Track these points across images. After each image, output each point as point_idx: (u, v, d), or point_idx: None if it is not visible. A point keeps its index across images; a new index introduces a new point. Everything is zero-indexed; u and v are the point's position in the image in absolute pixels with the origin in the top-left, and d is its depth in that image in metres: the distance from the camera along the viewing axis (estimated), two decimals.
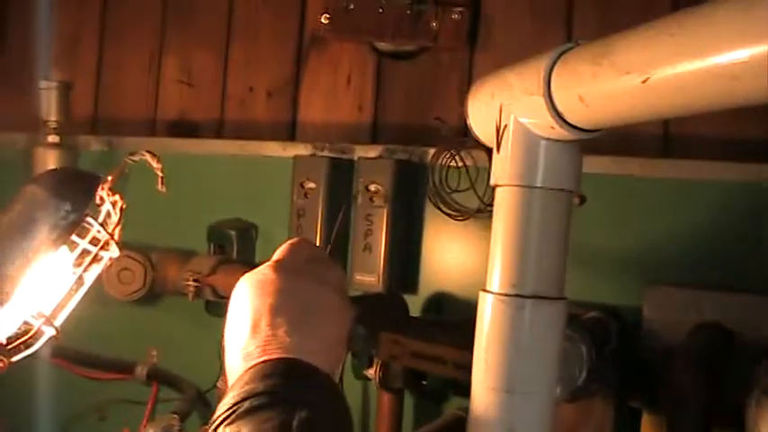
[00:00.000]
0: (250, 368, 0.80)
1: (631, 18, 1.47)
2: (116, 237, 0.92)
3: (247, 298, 0.86)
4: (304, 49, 1.80)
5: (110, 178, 0.93)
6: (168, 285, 1.68)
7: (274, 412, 0.72)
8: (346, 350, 0.92)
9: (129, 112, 1.96)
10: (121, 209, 0.94)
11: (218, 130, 1.87)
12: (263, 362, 0.80)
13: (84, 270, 0.90)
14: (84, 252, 0.90)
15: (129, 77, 1.97)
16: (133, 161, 1.02)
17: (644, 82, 0.64)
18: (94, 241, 0.91)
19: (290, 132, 1.79)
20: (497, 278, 0.87)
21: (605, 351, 1.28)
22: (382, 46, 1.70)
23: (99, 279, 0.89)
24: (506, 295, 0.85)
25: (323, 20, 1.71)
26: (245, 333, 0.83)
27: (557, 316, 0.87)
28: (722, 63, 0.56)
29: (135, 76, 1.96)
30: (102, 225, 0.90)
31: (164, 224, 1.80)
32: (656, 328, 1.33)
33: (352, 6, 1.69)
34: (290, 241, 0.94)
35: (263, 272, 0.88)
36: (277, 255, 0.92)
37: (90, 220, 0.89)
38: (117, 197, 0.93)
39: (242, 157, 1.74)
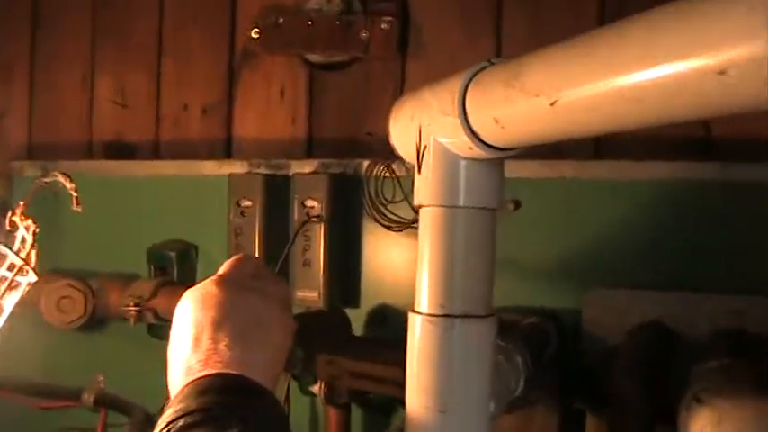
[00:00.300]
0: (188, 384, 0.79)
1: (559, 26, 1.51)
2: (32, 262, 0.91)
3: (190, 312, 0.86)
4: (236, 65, 1.79)
5: (21, 203, 0.92)
6: (110, 311, 1.66)
7: (206, 430, 0.72)
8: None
9: (64, 135, 1.94)
10: (34, 233, 0.93)
11: (154, 150, 1.85)
12: (201, 377, 0.80)
13: (1, 297, 0.89)
14: (2, 279, 0.89)
15: (63, 101, 1.94)
16: (45, 183, 1.01)
17: (552, 104, 0.64)
18: (11, 267, 0.90)
19: (225, 149, 1.78)
20: (425, 299, 0.87)
21: (545, 357, 1.29)
22: (313, 58, 1.69)
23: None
24: (435, 315, 0.86)
25: (253, 34, 1.70)
26: (187, 347, 0.83)
27: (486, 333, 0.87)
28: (626, 86, 0.57)
29: (68, 100, 1.94)
30: (16, 252, 0.89)
31: (103, 249, 1.78)
32: (596, 331, 1.35)
33: (281, 20, 1.68)
34: (234, 257, 0.95)
35: (206, 286, 0.88)
36: (221, 270, 0.92)
37: (2, 247, 0.88)
38: (30, 222, 0.92)
39: (179, 177, 1.73)
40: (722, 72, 0.48)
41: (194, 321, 0.85)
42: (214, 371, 0.80)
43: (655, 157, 1.38)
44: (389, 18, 1.60)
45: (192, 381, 0.79)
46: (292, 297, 1.50)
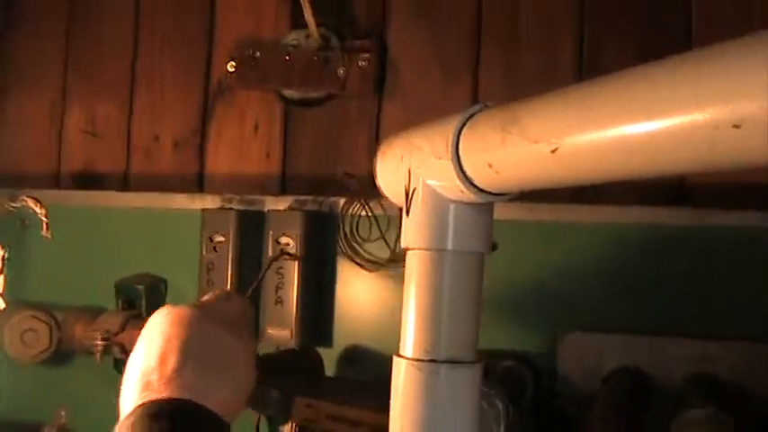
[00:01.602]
0: (143, 404, 0.77)
1: (536, 72, 1.52)
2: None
3: (163, 327, 0.85)
4: (210, 98, 1.77)
5: None
6: (75, 344, 1.63)
7: None
8: (247, 406, 0.92)
9: (32, 165, 1.90)
10: (3, 258, 0.91)
11: (124, 181, 1.83)
12: (158, 400, 0.78)
13: None
14: None
15: (32, 129, 1.91)
16: (13, 208, 0.99)
17: (553, 152, 0.63)
18: None
19: (197, 183, 1.75)
20: (410, 343, 0.85)
21: (521, 402, 1.28)
22: (289, 93, 1.69)
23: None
24: (420, 361, 0.84)
25: (229, 68, 1.69)
26: (153, 360, 0.82)
27: (472, 380, 0.86)
28: (634, 135, 0.56)
29: (37, 128, 1.90)
30: None
31: (69, 281, 1.75)
32: (571, 375, 1.34)
33: (258, 54, 1.67)
34: (222, 290, 0.95)
35: (186, 308, 0.87)
36: (205, 298, 0.93)
37: None
38: None
39: (149, 209, 1.70)
40: (737, 125, 0.48)
41: (165, 337, 0.83)
42: (173, 395, 0.78)
43: (631, 202, 1.38)
44: (367, 56, 1.60)
45: (149, 401, 0.77)
46: (259, 336, 1.48)
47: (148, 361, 0.82)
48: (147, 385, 0.79)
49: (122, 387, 0.82)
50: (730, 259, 1.34)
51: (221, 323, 0.88)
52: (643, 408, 1.25)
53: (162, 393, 0.78)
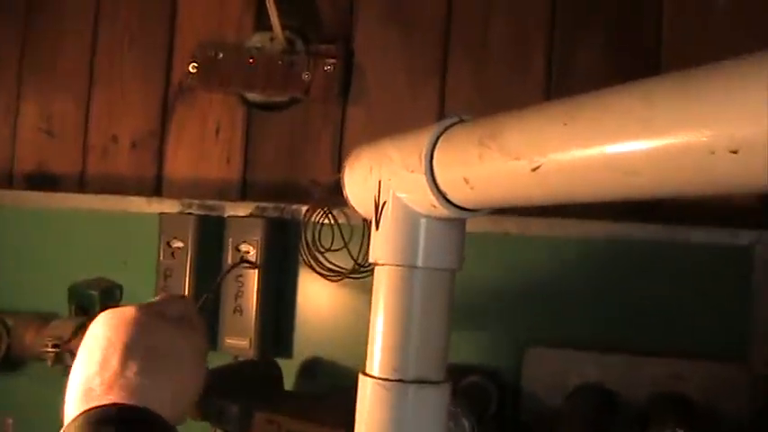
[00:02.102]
0: (84, 412, 0.75)
1: (505, 79, 1.50)
2: None
3: (104, 331, 0.82)
4: (170, 98, 1.73)
5: None
6: (26, 351, 1.58)
7: None
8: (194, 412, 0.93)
9: None
10: None
11: (80, 182, 1.77)
12: (99, 407, 0.75)
13: None
14: None
15: None
16: None
17: (534, 170, 0.61)
18: None
19: (155, 186, 1.71)
20: (378, 362, 0.82)
21: (486, 417, 1.26)
22: (252, 97, 1.65)
23: None
24: (388, 380, 0.81)
25: (190, 69, 1.65)
26: (93, 367, 0.79)
27: (440, 400, 0.83)
28: (618, 156, 0.53)
29: None
30: None
31: (20, 285, 1.69)
32: (535, 390, 1.32)
33: (221, 55, 1.63)
34: (169, 293, 0.92)
35: (126, 310, 0.85)
36: (151, 300, 0.91)
37: None
38: None
39: (105, 212, 1.65)
40: (734, 151, 0.45)
41: (106, 341, 0.81)
42: (115, 400, 0.76)
43: (599, 216, 1.36)
44: (333, 60, 1.57)
45: (90, 409, 0.75)
46: (218, 346, 1.45)
47: (89, 368, 0.80)
48: (87, 392, 0.77)
49: (66, 397, 0.80)
50: (699, 276, 1.33)
51: (165, 321, 0.86)
52: (608, 424, 1.24)
53: (104, 399, 0.76)
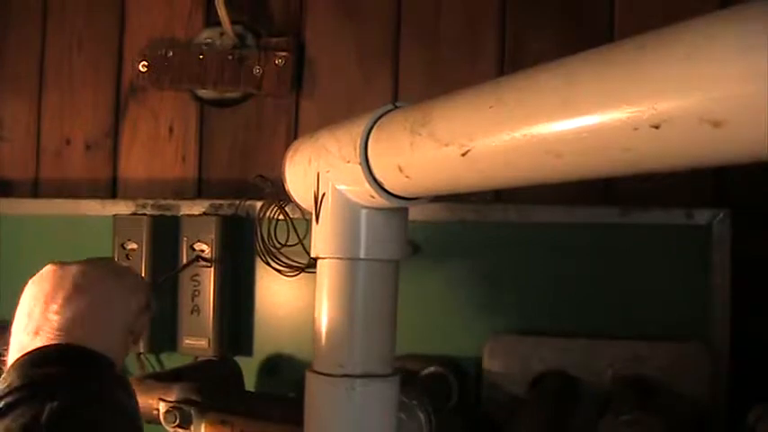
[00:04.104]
0: (15, 361, 0.76)
1: (457, 66, 1.48)
2: None
3: (27, 290, 0.85)
4: (122, 98, 1.70)
5: None
6: None
7: (25, 407, 0.69)
8: (132, 342, 0.92)
9: None
10: None
11: (33, 187, 1.74)
12: (27, 353, 0.76)
13: None
14: None
15: None
16: None
17: (464, 155, 0.59)
18: None
19: (110, 188, 1.68)
20: (324, 358, 0.81)
21: (446, 408, 1.25)
22: (204, 93, 1.62)
23: None
24: (334, 376, 0.80)
25: (141, 67, 1.62)
26: (22, 322, 0.81)
27: (389, 394, 0.82)
28: (543, 137, 0.52)
29: None
30: None
31: None
32: (497, 379, 1.31)
33: (171, 53, 1.61)
34: None
35: (49, 265, 0.87)
36: None
37: None
38: None
39: (60, 216, 1.62)
40: (656, 126, 0.44)
41: (29, 298, 0.83)
42: (41, 343, 0.77)
43: (555, 201, 1.35)
44: (284, 54, 1.55)
45: (19, 357, 0.76)
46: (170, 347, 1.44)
47: (19, 326, 0.82)
48: (20, 349, 0.78)
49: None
50: (656, 259, 1.32)
51: (87, 265, 0.87)
52: (570, 411, 1.23)
53: (31, 346, 0.78)
